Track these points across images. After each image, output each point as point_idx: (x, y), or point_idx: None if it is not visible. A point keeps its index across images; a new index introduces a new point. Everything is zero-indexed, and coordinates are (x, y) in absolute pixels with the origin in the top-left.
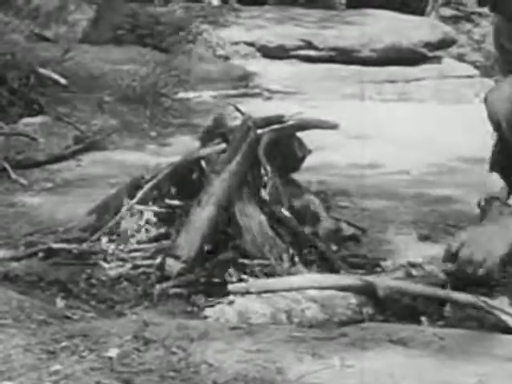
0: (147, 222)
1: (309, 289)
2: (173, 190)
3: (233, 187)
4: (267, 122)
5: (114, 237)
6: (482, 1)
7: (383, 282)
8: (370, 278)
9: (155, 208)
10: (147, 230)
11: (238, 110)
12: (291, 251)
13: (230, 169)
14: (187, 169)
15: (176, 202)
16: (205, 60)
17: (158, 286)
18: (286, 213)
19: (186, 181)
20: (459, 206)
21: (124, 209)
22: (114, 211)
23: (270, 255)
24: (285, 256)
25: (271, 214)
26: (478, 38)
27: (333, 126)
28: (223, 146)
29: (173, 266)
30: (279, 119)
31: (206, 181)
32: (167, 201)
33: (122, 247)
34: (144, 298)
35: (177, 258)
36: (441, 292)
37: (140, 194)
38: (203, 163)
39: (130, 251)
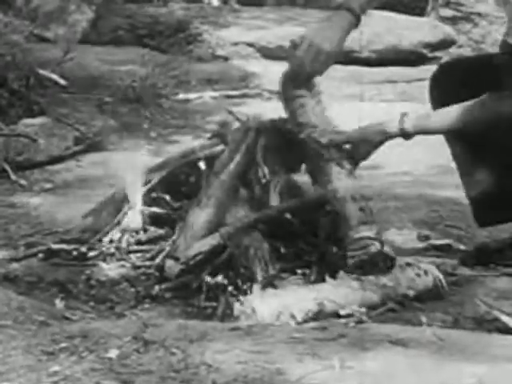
0: (146, 222)
1: None
2: (171, 191)
3: (232, 189)
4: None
5: (114, 238)
6: None
7: None
8: None
9: (154, 209)
10: (146, 231)
11: (231, 113)
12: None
13: (229, 170)
14: (184, 170)
15: (175, 204)
16: (205, 61)
17: (156, 287)
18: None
19: (183, 182)
20: (459, 207)
21: (124, 210)
22: (113, 212)
23: (255, 258)
24: (268, 259)
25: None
26: (477, 39)
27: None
28: (220, 146)
29: (172, 267)
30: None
31: (205, 182)
32: (166, 202)
33: (121, 248)
34: (144, 298)
35: (176, 259)
36: None
37: (140, 193)
38: (201, 165)
39: (130, 252)
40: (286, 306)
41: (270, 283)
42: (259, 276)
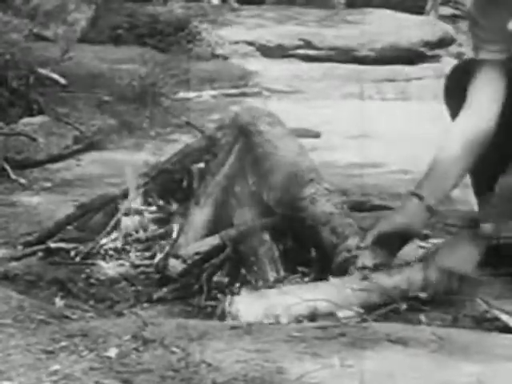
0: (146, 221)
1: None
2: (165, 193)
3: (228, 189)
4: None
5: (113, 237)
6: None
7: None
8: None
9: (153, 208)
10: (145, 230)
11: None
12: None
13: (224, 171)
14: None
15: (171, 205)
16: (204, 59)
17: (163, 290)
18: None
19: (176, 186)
20: (459, 206)
21: (122, 209)
22: (111, 212)
23: (265, 258)
24: (278, 259)
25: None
26: None
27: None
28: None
29: (175, 266)
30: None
31: (202, 181)
32: (162, 202)
33: (120, 247)
34: (143, 297)
35: (179, 258)
36: None
37: (137, 193)
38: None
39: (129, 251)
40: (271, 309)
41: (280, 283)
42: (271, 276)
